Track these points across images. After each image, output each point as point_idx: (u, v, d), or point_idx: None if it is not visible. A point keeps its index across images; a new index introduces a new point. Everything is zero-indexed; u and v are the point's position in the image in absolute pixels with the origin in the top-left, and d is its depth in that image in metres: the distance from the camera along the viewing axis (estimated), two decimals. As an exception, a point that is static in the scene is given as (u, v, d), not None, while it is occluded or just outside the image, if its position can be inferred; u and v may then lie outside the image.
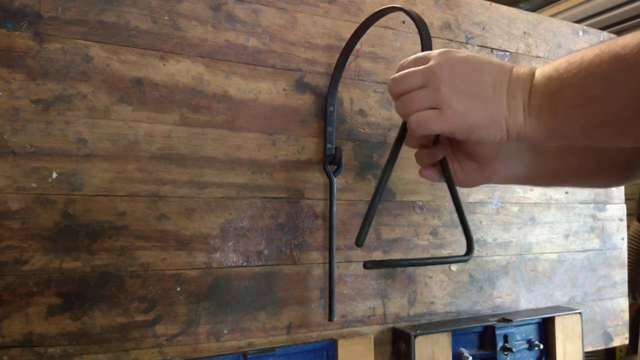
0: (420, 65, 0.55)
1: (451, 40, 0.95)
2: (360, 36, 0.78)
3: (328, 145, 0.81)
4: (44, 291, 0.63)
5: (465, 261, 0.57)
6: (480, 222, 0.96)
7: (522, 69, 0.52)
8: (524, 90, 0.51)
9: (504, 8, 1.03)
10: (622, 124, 0.45)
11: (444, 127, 0.53)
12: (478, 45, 0.98)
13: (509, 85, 0.51)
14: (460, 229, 0.93)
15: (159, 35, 0.71)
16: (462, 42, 0.96)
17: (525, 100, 0.50)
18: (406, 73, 0.55)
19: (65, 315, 0.64)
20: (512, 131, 0.52)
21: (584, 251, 1.08)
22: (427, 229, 0.90)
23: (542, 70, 0.50)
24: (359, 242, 0.57)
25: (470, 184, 0.67)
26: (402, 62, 0.59)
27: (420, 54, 0.57)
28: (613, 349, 2.58)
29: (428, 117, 0.53)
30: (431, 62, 0.54)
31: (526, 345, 0.94)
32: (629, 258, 1.17)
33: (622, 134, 0.46)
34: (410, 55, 0.59)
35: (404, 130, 0.60)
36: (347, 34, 0.81)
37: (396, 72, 0.58)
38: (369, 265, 0.57)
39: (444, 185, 0.93)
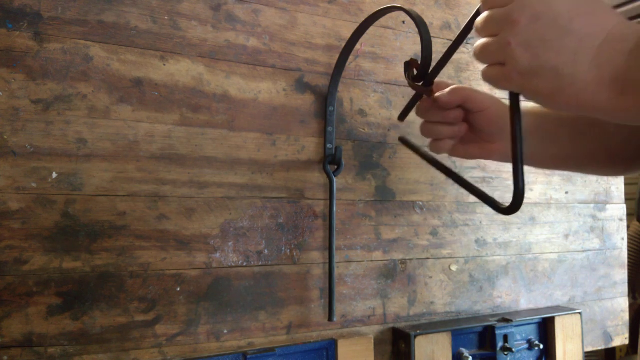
0: (507, 4, 0.47)
1: (451, 40, 0.95)
2: (360, 36, 0.78)
3: (328, 145, 0.81)
4: (44, 291, 0.63)
5: (504, 213, 0.52)
6: (480, 222, 0.96)
7: (625, 28, 0.43)
8: (617, 64, 0.41)
9: (504, 8, 1.03)
10: None
11: (507, 87, 0.48)
12: (478, 45, 0.98)
13: (599, 53, 0.42)
14: (460, 229, 0.93)
15: (159, 35, 0.71)
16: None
17: (618, 75, 0.41)
18: (488, 16, 0.48)
19: (65, 315, 0.64)
20: (586, 106, 0.44)
21: (584, 251, 1.08)
22: (427, 229, 0.90)
23: None
24: (400, 118, 0.69)
25: (468, 156, 0.65)
26: None
27: None
28: (613, 349, 2.58)
29: (492, 74, 0.48)
30: (513, 5, 0.46)
31: (526, 345, 0.94)
32: (629, 258, 1.17)
33: None
34: (410, 56, 0.57)
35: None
36: (347, 34, 0.81)
37: (485, 6, 0.51)
38: (401, 140, 0.70)
39: (444, 185, 0.93)
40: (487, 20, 0.48)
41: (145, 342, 0.68)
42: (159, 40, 0.71)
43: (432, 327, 0.86)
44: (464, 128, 0.64)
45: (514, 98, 0.51)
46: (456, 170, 0.94)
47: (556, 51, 0.43)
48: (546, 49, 0.43)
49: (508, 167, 1.00)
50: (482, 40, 0.49)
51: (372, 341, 0.81)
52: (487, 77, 0.49)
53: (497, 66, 0.47)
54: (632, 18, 2.59)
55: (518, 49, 0.44)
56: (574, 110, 0.45)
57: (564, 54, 0.43)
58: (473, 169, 0.96)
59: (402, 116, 0.70)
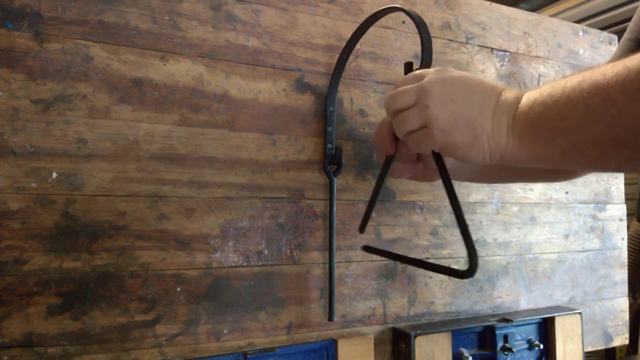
0: (415, 82, 0.57)
1: (451, 40, 0.95)
2: (360, 36, 0.78)
3: (328, 145, 0.81)
4: (44, 291, 0.63)
5: (464, 277, 0.54)
6: (480, 222, 0.96)
7: (511, 92, 0.54)
8: (509, 113, 0.52)
9: (504, 8, 1.03)
10: (602, 150, 0.45)
11: (431, 145, 0.55)
12: (478, 45, 0.98)
13: (496, 107, 0.53)
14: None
15: (159, 35, 0.71)
16: (462, 42, 0.96)
17: (510, 122, 0.52)
18: (401, 90, 0.57)
19: (65, 315, 0.64)
20: (494, 153, 0.53)
21: (584, 251, 1.08)
22: (428, 229, 0.90)
23: (529, 94, 0.51)
24: (361, 230, 0.69)
25: (429, 180, 0.72)
26: (401, 79, 0.61)
27: (418, 71, 0.59)
28: (613, 349, 2.58)
29: (418, 136, 0.56)
30: (425, 79, 0.56)
31: (526, 345, 0.94)
32: (629, 258, 1.17)
33: (603, 160, 0.47)
34: (410, 56, 0.60)
35: (388, 162, 0.64)
36: (347, 34, 0.81)
37: (394, 89, 0.60)
38: (365, 248, 0.70)
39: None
40: (402, 92, 0.57)
41: (145, 342, 0.68)
42: (159, 40, 0.71)
43: (432, 327, 0.86)
44: (419, 166, 0.69)
45: (438, 159, 0.58)
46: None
47: (467, 107, 0.53)
48: (459, 106, 0.53)
49: (508, 167, 1.00)
50: (400, 108, 0.57)
51: (372, 341, 0.81)
52: (412, 142, 0.57)
53: (419, 130, 0.56)
54: (631, 18, 2.59)
55: (436, 109, 0.53)
56: (487, 158, 0.54)
57: (473, 109, 0.53)
58: (473, 169, 0.96)
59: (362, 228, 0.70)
